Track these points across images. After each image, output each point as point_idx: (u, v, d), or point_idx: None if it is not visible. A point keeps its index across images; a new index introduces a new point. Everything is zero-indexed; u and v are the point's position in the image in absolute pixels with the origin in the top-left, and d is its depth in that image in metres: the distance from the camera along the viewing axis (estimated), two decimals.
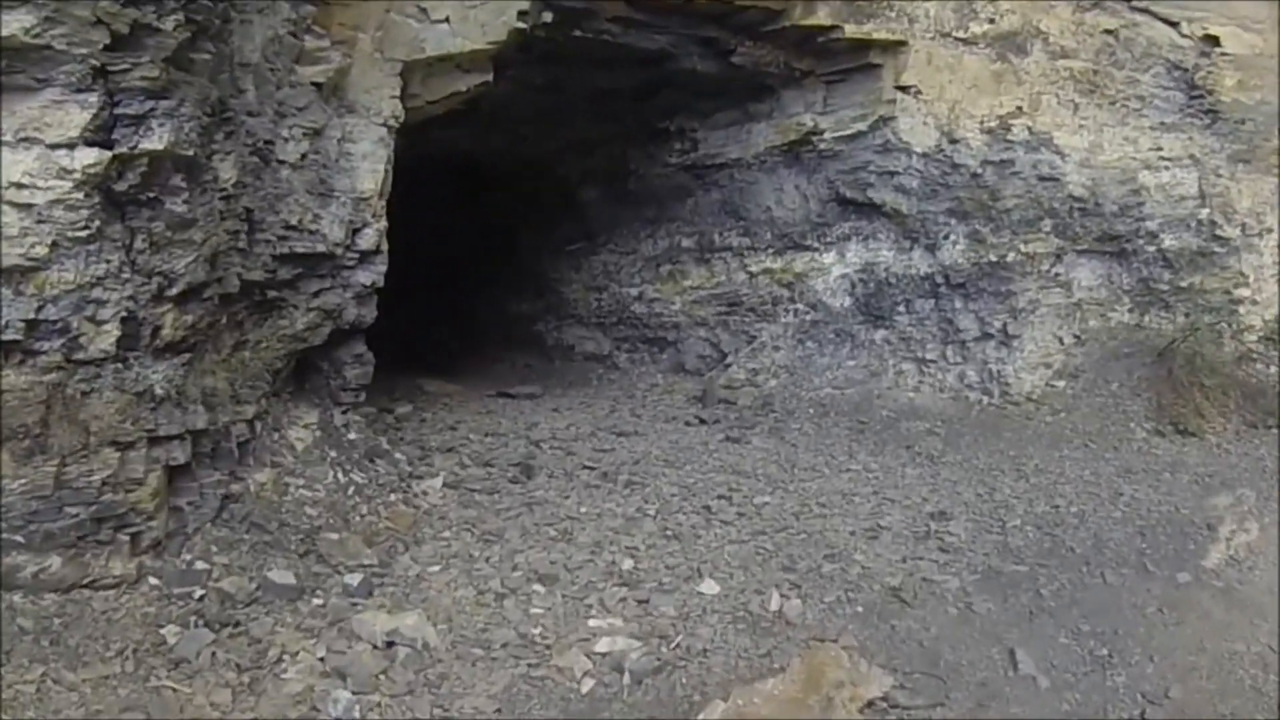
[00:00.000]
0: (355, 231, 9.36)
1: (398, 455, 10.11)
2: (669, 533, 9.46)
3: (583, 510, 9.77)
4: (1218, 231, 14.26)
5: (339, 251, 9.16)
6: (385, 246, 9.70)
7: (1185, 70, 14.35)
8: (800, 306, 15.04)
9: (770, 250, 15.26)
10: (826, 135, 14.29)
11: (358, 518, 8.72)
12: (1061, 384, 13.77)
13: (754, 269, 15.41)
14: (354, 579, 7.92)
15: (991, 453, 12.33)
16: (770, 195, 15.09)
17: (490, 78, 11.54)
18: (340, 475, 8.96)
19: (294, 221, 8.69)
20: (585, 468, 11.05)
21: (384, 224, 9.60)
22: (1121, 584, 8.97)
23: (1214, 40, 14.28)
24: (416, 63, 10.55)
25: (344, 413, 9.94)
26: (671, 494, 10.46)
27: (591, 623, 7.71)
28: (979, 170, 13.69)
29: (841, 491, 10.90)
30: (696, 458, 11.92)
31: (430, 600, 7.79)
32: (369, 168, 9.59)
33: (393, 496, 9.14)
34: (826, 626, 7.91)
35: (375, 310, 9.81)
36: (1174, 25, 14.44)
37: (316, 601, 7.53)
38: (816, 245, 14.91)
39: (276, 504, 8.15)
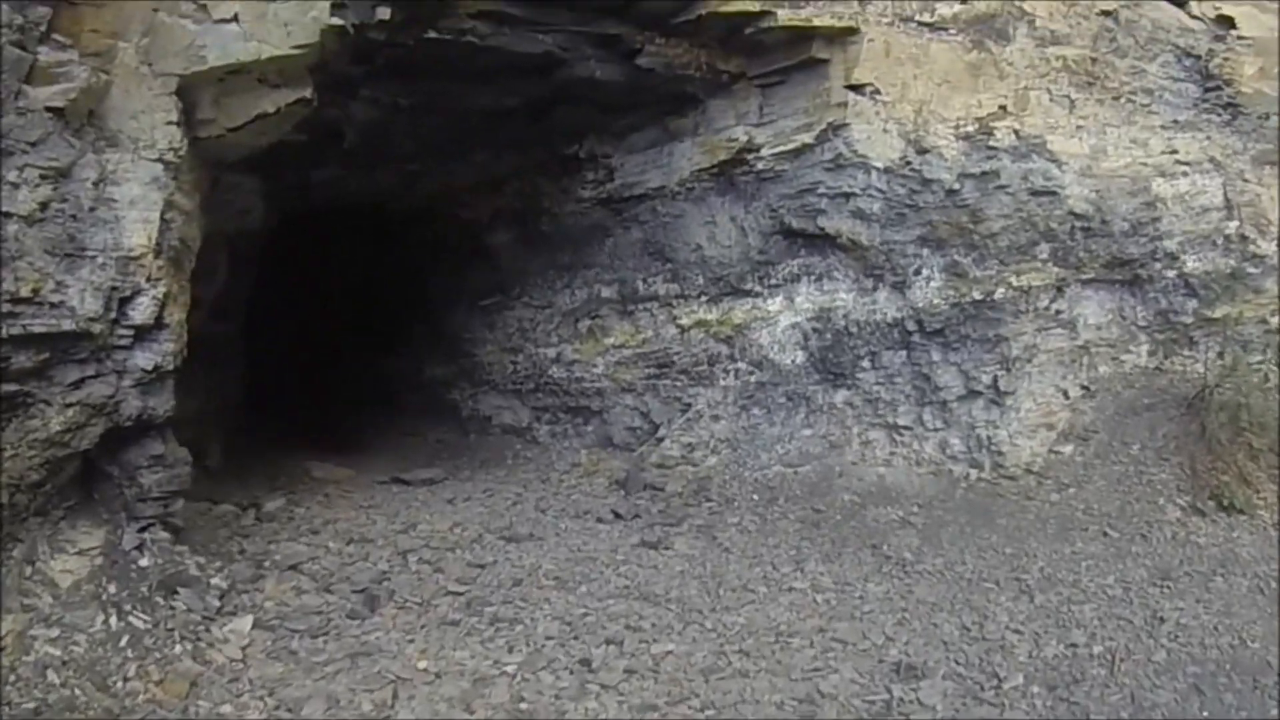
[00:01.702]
0: (123, 302, 7.63)
1: (213, 582, 8.22)
2: (523, 707, 6.92)
3: (422, 665, 7.41)
4: (1250, 248, 11.59)
5: (98, 329, 7.39)
6: (174, 318, 8.13)
7: (1198, 58, 11.79)
8: (742, 366, 12.25)
9: (704, 298, 12.51)
10: (764, 152, 11.66)
11: (119, 684, 6.60)
12: (1068, 449, 10.95)
13: (685, 322, 12.65)
14: None
15: (983, 551, 9.55)
16: (700, 231, 12.36)
17: (309, 94, 9.14)
18: (114, 620, 7.13)
19: (25, 292, 6.96)
20: (449, 593, 8.76)
21: (165, 289, 7.91)
22: None
23: (1228, 21, 11.79)
24: (199, 77, 8.38)
25: (141, 530, 8.12)
26: (548, 636, 7.99)
27: None
28: (955, 186, 10.95)
29: (777, 628, 8.15)
30: (598, 574, 9.39)
31: None
32: (138, 217, 7.77)
33: (179, 648, 7.19)
34: None
35: (171, 399, 8.22)
36: (1181, 4, 11.95)
37: None
38: (759, 290, 12.16)
39: (6, 671, 6.25)
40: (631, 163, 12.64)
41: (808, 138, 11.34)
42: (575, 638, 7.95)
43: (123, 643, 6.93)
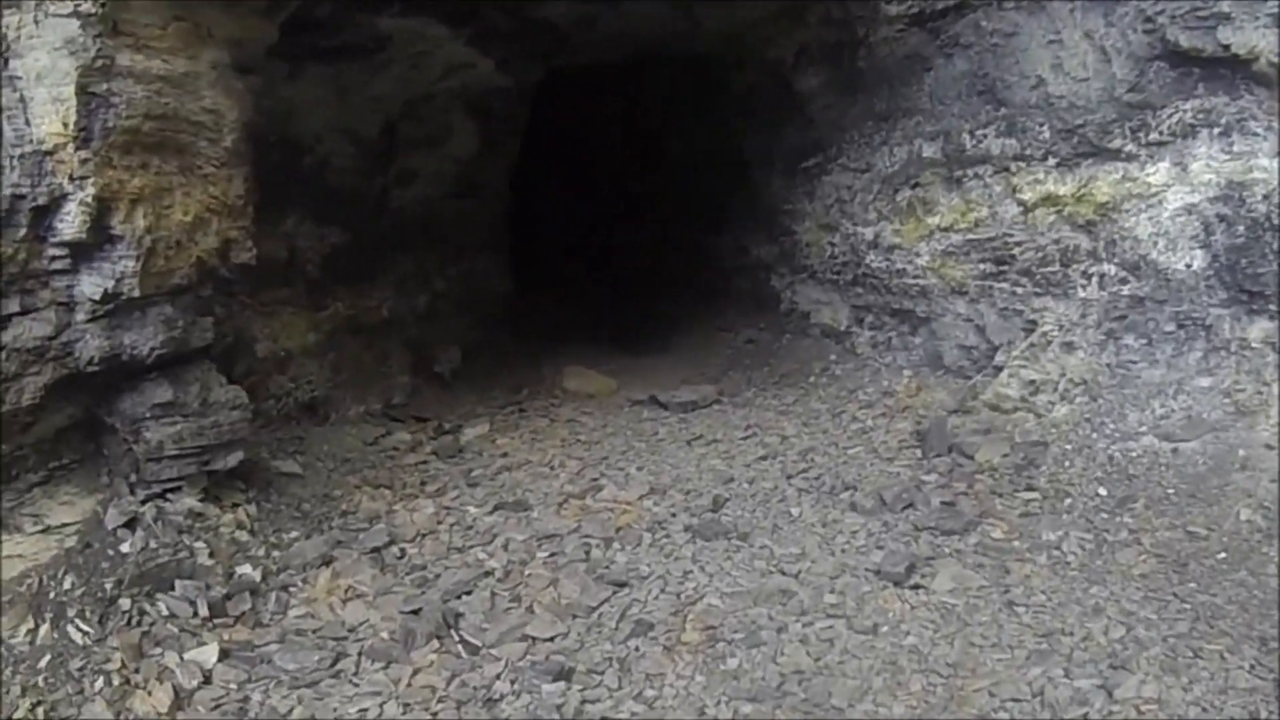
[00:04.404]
0: (39, 213, 5.95)
1: (239, 572, 6.56)
2: None
3: None
4: None
5: (9, 251, 5.81)
6: (138, 225, 6.35)
7: None
8: (1110, 269, 7.85)
9: (1052, 161, 8.17)
10: None
11: None
12: None
13: (1027, 196, 8.37)
14: None
15: None
16: (1042, 55, 8.05)
17: None
18: (45, 629, 5.58)
19: None
20: (525, 638, 6.05)
21: (98, 188, 6.07)
22: None
23: None
24: None
25: (147, 500, 6.61)
26: None
27: None
28: None
29: None
30: (774, 635, 5.95)
31: None
32: (49, 95, 5.94)
33: (100, 683, 5.40)
34: None
35: (169, 331, 6.67)
36: None
37: None
38: (1133, 149, 7.62)
39: None
40: None
41: None
42: None
43: (41, 664, 5.31)
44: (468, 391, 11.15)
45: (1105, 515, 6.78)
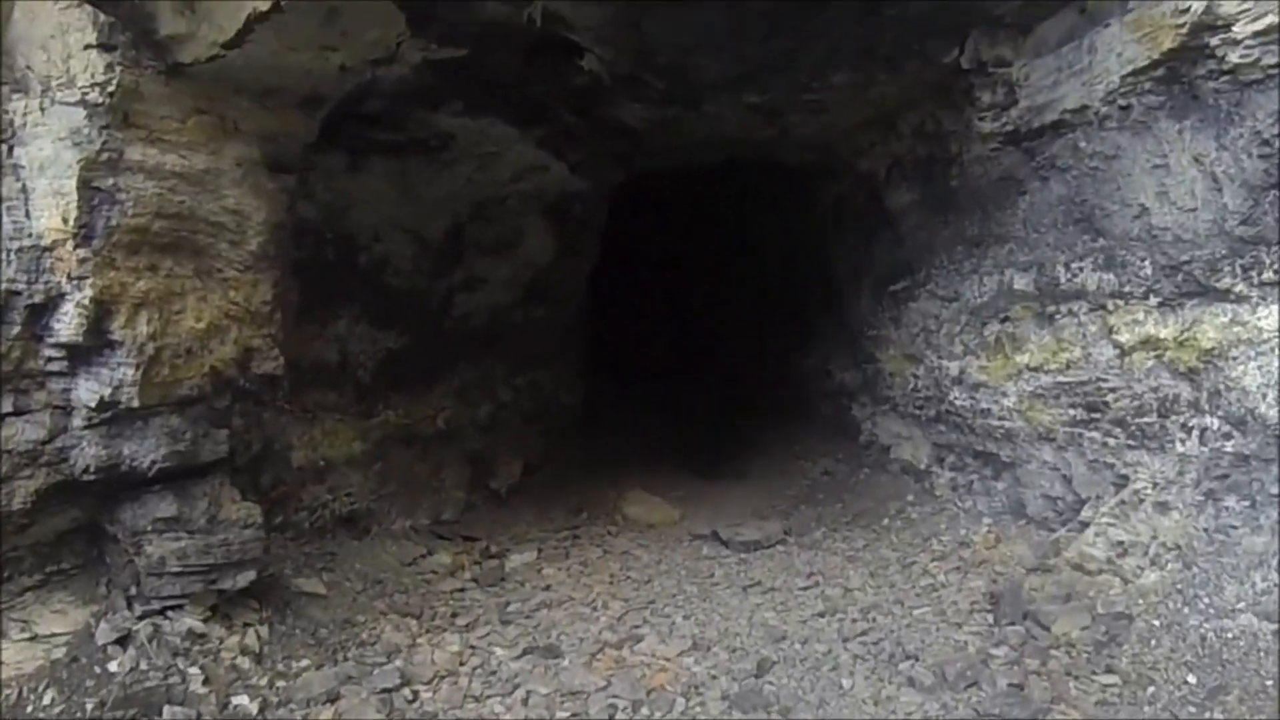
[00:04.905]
0: (35, 311, 5.79)
1: (234, 702, 6.14)
2: None
3: None
4: None
5: (3, 349, 5.67)
6: (128, 332, 6.04)
7: None
8: (1212, 422, 6.97)
9: (1153, 299, 7.33)
10: (1239, 30, 6.29)
11: None
12: None
13: (1125, 338, 7.53)
14: None
15: None
16: (1145, 181, 7.23)
17: None
18: None
19: None
20: None
21: (98, 289, 5.85)
22: None
23: None
24: None
25: (144, 616, 6.31)
26: None
27: None
28: None
29: None
30: None
31: None
32: (50, 188, 5.75)
33: None
34: None
35: (174, 444, 6.36)
36: None
37: None
38: (1242, 289, 6.76)
39: None
40: (1039, 72, 7.76)
41: None
42: None
43: None
44: (524, 510, 10.63)
45: (1192, 709, 5.82)
